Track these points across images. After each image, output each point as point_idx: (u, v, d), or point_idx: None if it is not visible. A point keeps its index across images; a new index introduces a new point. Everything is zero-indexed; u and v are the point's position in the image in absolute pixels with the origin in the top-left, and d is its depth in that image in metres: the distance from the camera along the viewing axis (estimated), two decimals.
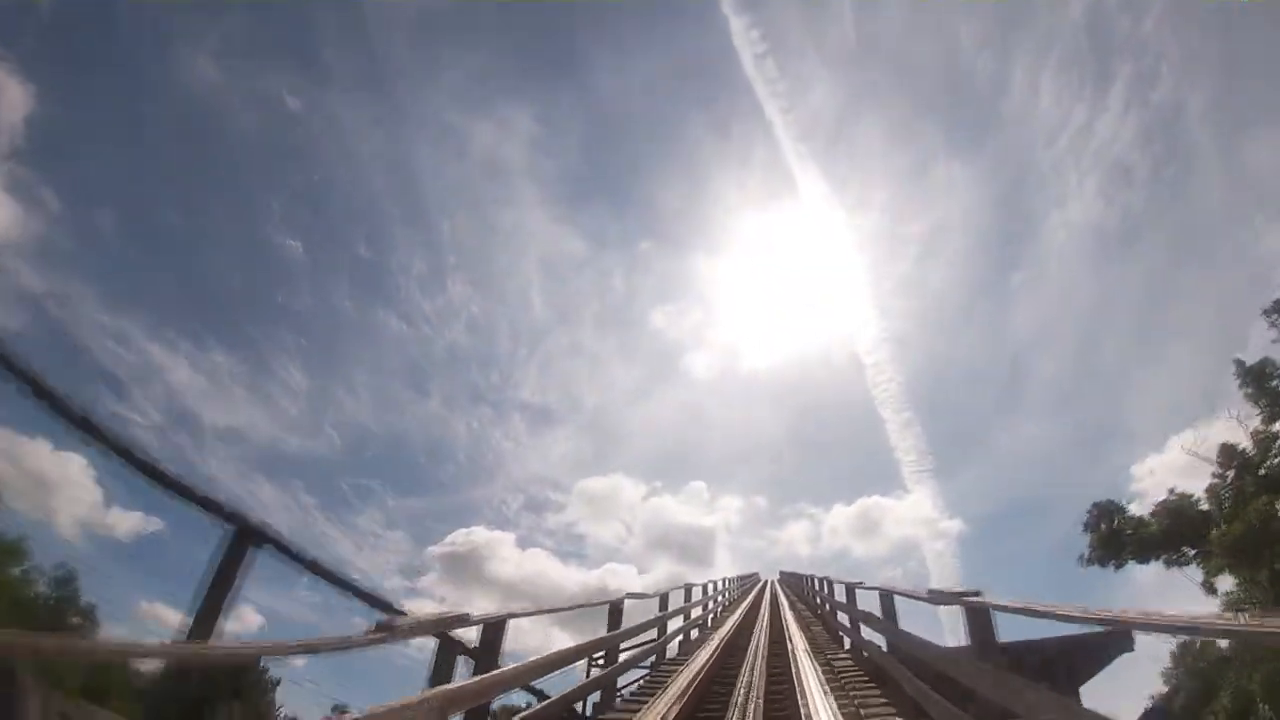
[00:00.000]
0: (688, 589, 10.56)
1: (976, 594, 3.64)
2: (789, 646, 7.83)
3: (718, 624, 11.42)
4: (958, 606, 3.71)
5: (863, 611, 7.81)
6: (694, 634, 10.34)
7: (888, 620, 6.30)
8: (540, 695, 7.13)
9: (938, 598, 4.29)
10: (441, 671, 3.97)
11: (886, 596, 6.55)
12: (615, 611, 6.53)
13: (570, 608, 6.01)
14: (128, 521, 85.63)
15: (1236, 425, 19.78)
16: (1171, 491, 20.74)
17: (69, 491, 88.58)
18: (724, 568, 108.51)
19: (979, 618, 3.60)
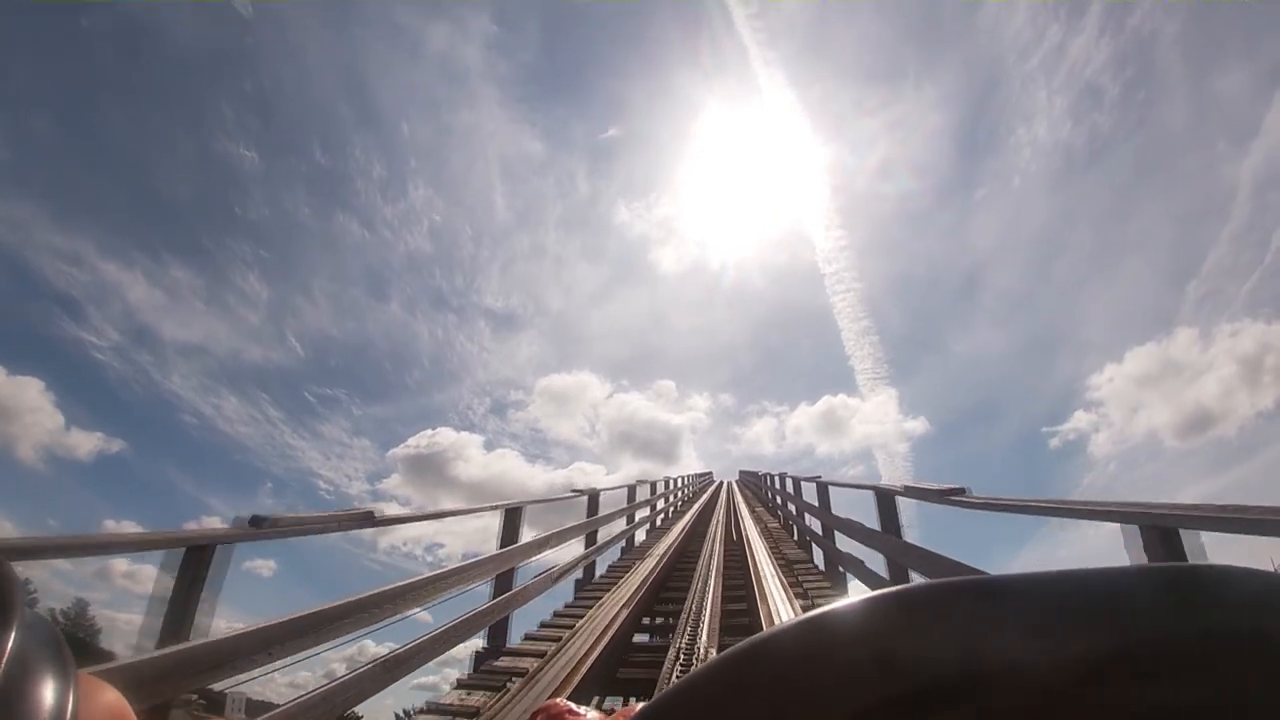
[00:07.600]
0: (630, 490, 8.88)
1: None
2: (750, 562, 6.21)
3: (642, 556, 9.92)
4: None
5: (842, 518, 6.20)
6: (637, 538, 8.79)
7: (888, 532, 4.58)
8: None
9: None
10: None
11: (886, 498, 4.81)
12: (512, 518, 4.62)
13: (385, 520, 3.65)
14: (89, 442, 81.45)
15: (1194, 342, 19.04)
16: None
17: (28, 417, 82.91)
18: (691, 465, 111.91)
19: None
